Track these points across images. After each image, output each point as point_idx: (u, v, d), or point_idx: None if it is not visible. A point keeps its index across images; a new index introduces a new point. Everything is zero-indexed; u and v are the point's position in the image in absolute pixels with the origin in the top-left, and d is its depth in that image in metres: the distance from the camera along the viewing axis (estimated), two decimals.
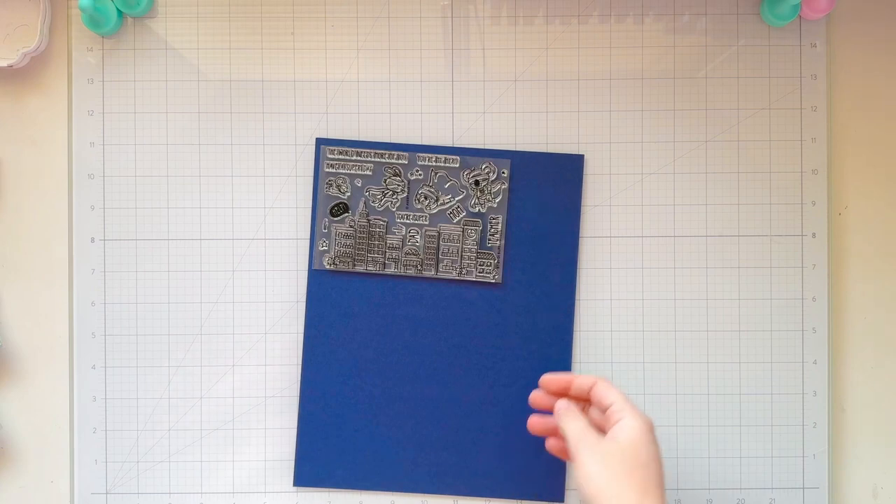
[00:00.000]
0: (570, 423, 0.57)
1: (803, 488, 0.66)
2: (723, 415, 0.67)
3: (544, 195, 0.66)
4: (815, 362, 0.67)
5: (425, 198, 0.62)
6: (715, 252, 0.67)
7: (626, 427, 0.55)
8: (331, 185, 0.63)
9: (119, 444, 0.67)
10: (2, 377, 0.67)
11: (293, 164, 0.67)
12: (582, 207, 0.66)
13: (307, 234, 0.67)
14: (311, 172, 0.67)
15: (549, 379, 0.61)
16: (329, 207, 0.64)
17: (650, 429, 0.55)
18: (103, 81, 0.67)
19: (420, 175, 0.63)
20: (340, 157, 0.61)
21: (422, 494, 0.66)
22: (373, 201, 0.63)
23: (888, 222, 0.67)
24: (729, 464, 0.67)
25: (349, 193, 0.64)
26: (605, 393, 0.57)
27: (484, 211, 0.65)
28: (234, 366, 0.67)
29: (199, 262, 0.67)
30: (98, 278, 0.67)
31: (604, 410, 0.57)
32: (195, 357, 0.67)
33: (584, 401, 0.60)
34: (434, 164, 0.62)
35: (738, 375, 0.67)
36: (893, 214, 0.67)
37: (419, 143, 0.66)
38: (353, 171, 0.63)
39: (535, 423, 0.61)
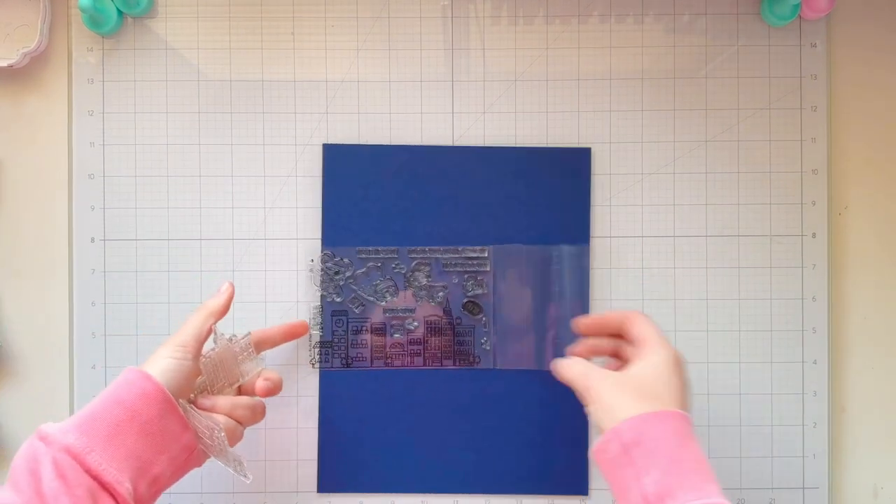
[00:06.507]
0: (571, 367, 0.55)
1: (803, 488, 0.66)
2: (723, 415, 0.67)
3: (551, 190, 0.66)
4: (815, 362, 0.67)
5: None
6: (715, 252, 0.67)
7: (645, 362, 0.53)
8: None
9: None
10: (2, 377, 0.67)
11: (293, 164, 0.67)
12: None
13: (307, 235, 0.67)
14: (310, 172, 0.67)
15: (582, 322, 0.60)
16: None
17: (675, 362, 0.53)
18: (103, 81, 0.67)
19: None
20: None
21: (424, 494, 0.67)
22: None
23: (888, 222, 0.67)
24: (729, 464, 0.67)
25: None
26: (633, 326, 0.55)
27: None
28: None
29: (199, 262, 0.67)
30: (98, 278, 0.67)
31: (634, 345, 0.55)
32: None
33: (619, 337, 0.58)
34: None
35: (738, 375, 0.67)
36: (893, 214, 0.67)
37: (419, 143, 0.67)
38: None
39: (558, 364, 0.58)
